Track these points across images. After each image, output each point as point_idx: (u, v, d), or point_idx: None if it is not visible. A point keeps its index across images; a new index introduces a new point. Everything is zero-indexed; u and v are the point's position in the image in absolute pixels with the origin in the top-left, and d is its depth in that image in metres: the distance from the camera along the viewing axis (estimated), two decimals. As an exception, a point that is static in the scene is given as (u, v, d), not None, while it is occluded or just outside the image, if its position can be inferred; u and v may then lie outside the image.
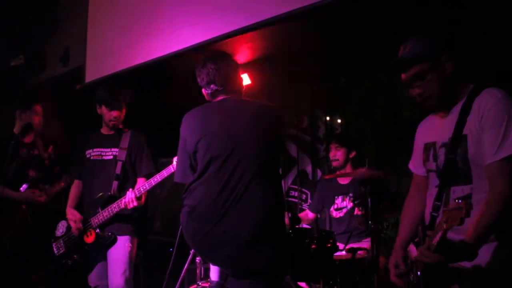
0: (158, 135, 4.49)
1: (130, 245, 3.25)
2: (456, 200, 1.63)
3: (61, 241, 3.39)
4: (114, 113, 3.35)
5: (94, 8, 4.86)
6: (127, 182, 3.34)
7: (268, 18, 3.31)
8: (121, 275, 3.16)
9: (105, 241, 3.23)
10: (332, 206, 3.88)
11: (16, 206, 3.88)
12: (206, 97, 2.52)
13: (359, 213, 3.75)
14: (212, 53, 2.66)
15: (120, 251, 3.22)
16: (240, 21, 3.53)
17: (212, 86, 2.42)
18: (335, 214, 3.86)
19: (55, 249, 3.40)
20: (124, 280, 3.16)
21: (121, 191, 3.28)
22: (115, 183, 3.29)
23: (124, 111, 3.41)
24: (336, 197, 3.89)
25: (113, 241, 3.22)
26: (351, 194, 3.82)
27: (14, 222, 3.88)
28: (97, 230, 3.24)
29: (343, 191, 3.87)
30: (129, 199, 3.14)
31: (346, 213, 3.80)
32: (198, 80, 2.49)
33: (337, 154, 3.91)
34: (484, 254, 1.86)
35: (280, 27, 3.41)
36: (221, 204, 2.15)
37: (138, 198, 3.16)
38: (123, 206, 3.16)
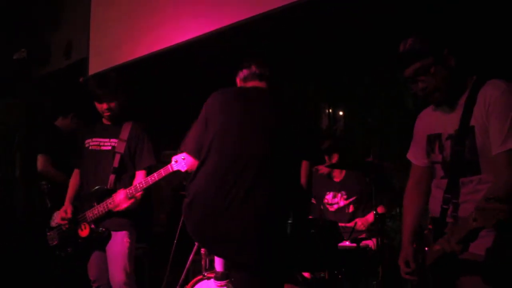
0: (161, 127, 4.51)
1: (128, 240, 3.18)
2: (489, 199, 1.54)
3: (55, 232, 3.33)
4: (104, 105, 3.26)
5: (97, 0, 4.86)
6: (124, 175, 3.25)
7: (272, 9, 3.31)
8: (122, 271, 3.12)
9: (99, 237, 3.17)
10: (324, 200, 3.90)
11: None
12: (240, 81, 2.51)
13: (353, 210, 3.75)
14: None
15: (119, 247, 3.15)
16: (244, 12, 3.52)
17: (253, 66, 2.44)
18: (328, 207, 3.88)
19: (48, 240, 3.35)
20: (125, 276, 3.12)
21: (118, 185, 3.20)
22: (112, 177, 3.20)
23: (116, 101, 3.29)
24: (327, 192, 3.91)
25: (107, 237, 3.15)
26: (343, 192, 3.83)
27: None
28: (92, 226, 3.17)
29: (335, 188, 3.89)
30: (119, 200, 3.08)
31: (337, 209, 3.82)
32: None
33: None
34: (487, 243, 1.87)
35: (283, 19, 3.40)
36: (221, 200, 2.12)
37: (133, 197, 3.09)
38: (112, 207, 3.10)
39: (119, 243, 3.17)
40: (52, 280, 4.21)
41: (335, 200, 3.87)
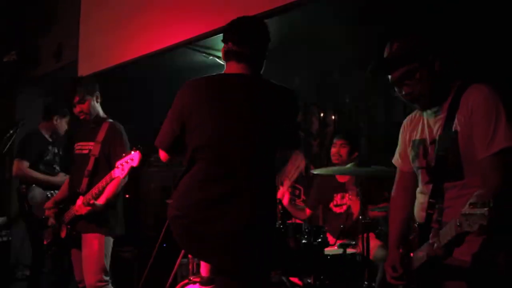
0: (149, 131, 4.49)
1: (97, 242, 3.14)
2: (472, 205, 1.52)
3: (50, 231, 3.38)
4: (77, 108, 3.29)
5: (86, 4, 4.87)
6: (98, 178, 3.16)
7: (259, 13, 3.31)
8: (93, 275, 3.10)
9: (73, 238, 3.19)
10: (331, 203, 3.88)
11: None
12: (222, 56, 2.24)
13: (358, 209, 3.74)
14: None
15: (87, 249, 3.14)
16: (232, 15, 3.52)
17: (229, 43, 2.15)
18: (334, 209, 3.86)
19: (44, 237, 3.41)
20: (96, 280, 3.09)
21: (91, 188, 3.15)
22: (85, 180, 3.18)
23: (87, 103, 3.26)
24: (335, 194, 3.89)
25: (78, 239, 3.17)
26: (350, 192, 3.81)
27: None
28: (68, 226, 3.20)
29: (342, 188, 3.86)
30: (78, 206, 3.08)
31: (346, 210, 3.80)
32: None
33: (341, 151, 3.86)
34: (473, 248, 1.87)
35: (271, 21, 3.40)
36: (207, 207, 2.07)
37: (88, 204, 3.05)
38: (75, 212, 3.11)
39: (88, 245, 3.16)
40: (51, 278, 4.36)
41: (344, 201, 3.84)
